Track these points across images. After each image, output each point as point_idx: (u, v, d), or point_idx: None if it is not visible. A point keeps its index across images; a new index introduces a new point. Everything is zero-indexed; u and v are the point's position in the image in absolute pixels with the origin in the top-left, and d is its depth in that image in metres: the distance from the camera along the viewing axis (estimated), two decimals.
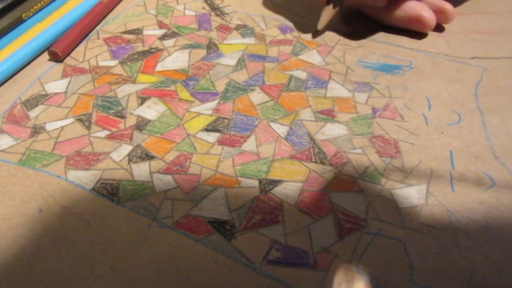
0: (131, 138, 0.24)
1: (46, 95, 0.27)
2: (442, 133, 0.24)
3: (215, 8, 0.35)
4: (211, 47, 0.31)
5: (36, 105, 0.26)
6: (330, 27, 0.32)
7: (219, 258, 0.19)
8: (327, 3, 0.29)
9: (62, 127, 0.25)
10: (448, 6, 0.30)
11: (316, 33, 0.31)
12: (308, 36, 0.31)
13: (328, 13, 0.30)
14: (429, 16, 0.30)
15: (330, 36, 0.32)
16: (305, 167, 0.23)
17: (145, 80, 0.28)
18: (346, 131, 0.25)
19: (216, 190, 0.21)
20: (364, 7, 0.32)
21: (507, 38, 0.32)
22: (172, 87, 0.27)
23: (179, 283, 0.18)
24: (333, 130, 0.25)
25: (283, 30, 0.32)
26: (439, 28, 0.32)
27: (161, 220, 0.20)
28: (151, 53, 0.30)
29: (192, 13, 0.35)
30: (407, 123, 0.25)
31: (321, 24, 0.30)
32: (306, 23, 0.33)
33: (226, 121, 0.25)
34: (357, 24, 0.32)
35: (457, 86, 0.28)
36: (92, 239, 0.19)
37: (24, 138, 0.24)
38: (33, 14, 0.33)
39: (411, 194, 0.21)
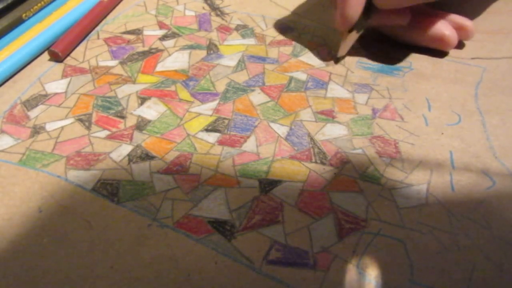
0: (131, 138, 0.24)
1: (46, 95, 0.27)
2: (442, 133, 0.24)
3: (215, 8, 0.35)
4: (211, 48, 0.31)
5: (36, 105, 0.26)
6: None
7: (219, 258, 0.19)
8: (350, 30, 0.28)
9: (62, 127, 0.25)
10: (468, 23, 0.29)
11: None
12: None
13: (350, 39, 0.28)
14: (451, 35, 0.28)
15: (331, 39, 0.32)
16: (305, 167, 0.23)
17: (145, 80, 0.28)
18: (346, 132, 0.25)
19: (216, 190, 0.21)
20: (384, 27, 0.31)
21: (507, 38, 0.32)
22: (172, 88, 0.27)
23: (179, 283, 0.18)
24: (333, 131, 0.25)
25: (283, 30, 0.32)
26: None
27: (161, 220, 0.20)
28: (151, 54, 0.30)
29: (192, 13, 0.35)
30: (407, 124, 0.25)
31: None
32: (306, 23, 0.33)
33: (226, 121, 0.25)
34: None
35: (457, 87, 0.28)
36: (92, 239, 0.19)
37: (24, 138, 0.24)
38: (33, 14, 0.33)
39: (411, 194, 0.21)
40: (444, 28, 0.29)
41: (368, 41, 0.31)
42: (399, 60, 0.30)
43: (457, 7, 0.30)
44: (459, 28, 0.29)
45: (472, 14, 0.33)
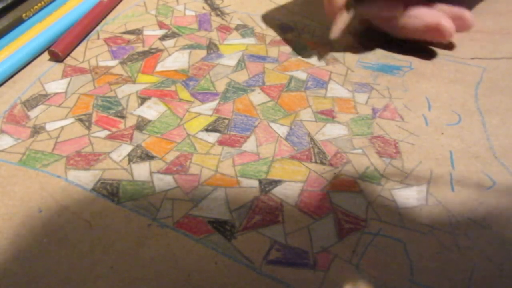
0: (131, 138, 0.24)
1: (46, 95, 0.27)
2: (442, 133, 0.24)
3: (215, 8, 0.35)
4: (211, 48, 0.31)
5: (36, 105, 0.26)
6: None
7: (219, 258, 0.19)
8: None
9: (62, 127, 0.25)
10: (467, 14, 0.28)
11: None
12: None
13: (341, 21, 0.28)
14: (448, 25, 0.27)
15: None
16: (305, 167, 0.23)
17: (145, 80, 0.28)
18: (346, 132, 0.25)
19: (216, 190, 0.21)
20: (377, 20, 0.30)
21: (507, 38, 0.32)
22: (172, 87, 0.27)
23: (179, 283, 0.18)
24: (333, 131, 0.25)
25: (283, 30, 0.32)
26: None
27: (161, 220, 0.20)
28: (151, 53, 0.30)
29: (192, 13, 0.35)
30: (407, 124, 0.25)
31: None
32: (306, 23, 0.33)
33: (226, 121, 0.25)
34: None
35: (457, 87, 0.28)
36: (92, 239, 0.19)
37: (24, 138, 0.24)
38: (34, 14, 0.33)
39: (411, 194, 0.21)
40: (440, 17, 0.28)
41: (368, 40, 0.31)
42: (399, 59, 0.30)
43: (456, 5, 0.30)
44: (456, 18, 0.28)
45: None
